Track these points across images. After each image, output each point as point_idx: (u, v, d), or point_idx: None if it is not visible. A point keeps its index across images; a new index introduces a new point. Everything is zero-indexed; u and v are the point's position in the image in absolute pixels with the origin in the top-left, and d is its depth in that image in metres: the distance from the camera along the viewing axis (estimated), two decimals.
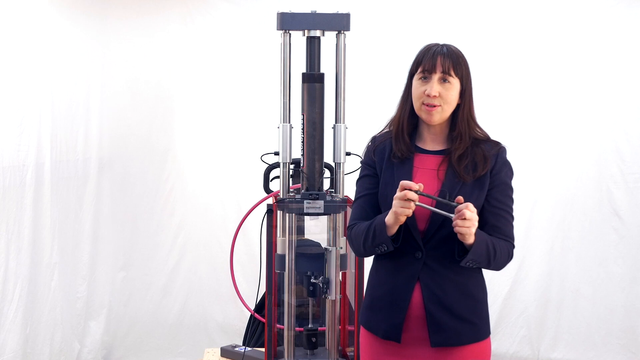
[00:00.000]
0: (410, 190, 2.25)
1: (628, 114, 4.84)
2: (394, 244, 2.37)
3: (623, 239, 4.83)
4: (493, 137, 2.54)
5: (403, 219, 2.31)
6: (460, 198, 2.27)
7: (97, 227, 4.99)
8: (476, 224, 2.26)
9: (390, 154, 2.49)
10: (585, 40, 4.85)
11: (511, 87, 4.91)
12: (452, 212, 2.27)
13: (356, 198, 2.56)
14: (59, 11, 4.56)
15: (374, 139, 2.59)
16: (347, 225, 2.61)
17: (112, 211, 5.12)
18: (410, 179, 2.40)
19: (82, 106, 4.84)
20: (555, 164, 4.90)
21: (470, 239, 2.29)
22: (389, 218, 2.33)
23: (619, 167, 4.84)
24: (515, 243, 2.51)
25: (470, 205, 2.25)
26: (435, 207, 2.31)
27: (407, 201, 2.26)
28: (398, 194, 2.28)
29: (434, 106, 2.40)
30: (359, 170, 2.61)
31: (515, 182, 2.53)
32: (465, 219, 2.24)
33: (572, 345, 4.92)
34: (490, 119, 4.45)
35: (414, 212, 2.36)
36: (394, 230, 2.35)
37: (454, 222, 2.26)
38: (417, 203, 2.27)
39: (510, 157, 2.53)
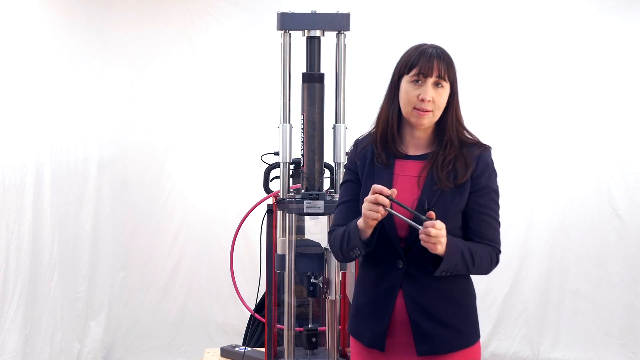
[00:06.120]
0: (382, 194, 2.19)
1: (628, 114, 4.84)
2: (366, 248, 2.31)
3: (623, 239, 4.84)
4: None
5: (373, 222, 2.24)
6: (431, 213, 2.20)
7: (97, 227, 4.98)
8: (443, 240, 2.19)
9: (373, 159, 2.42)
10: (585, 41, 4.86)
11: (512, 88, 4.91)
12: (422, 224, 2.20)
13: (338, 204, 2.51)
14: (59, 11, 4.56)
15: (356, 143, 2.52)
16: (328, 231, 2.55)
17: (112, 211, 5.12)
18: (390, 186, 2.31)
19: (82, 106, 4.84)
20: (556, 164, 4.89)
21: (438, 252, 2.22)
22: (360, 221, 2.28)
23: (619, 167, 4.84)
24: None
25: (438, 224, 2.17)
26: (408, 216, 2.24)
27: (376, 205, 2.19)
28: (369, 196, 2.22)
29: (426, 111, 2.32)
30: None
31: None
32: (430, 235, 2.17)
33: (572, 345, 4.92)
34: (490, 120, 4.52)
35: (394, 221, 2.31)
36: (367, 234, 2.29)
37: (420, 235, 2.20)
38: (389, 209, 2.21)
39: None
